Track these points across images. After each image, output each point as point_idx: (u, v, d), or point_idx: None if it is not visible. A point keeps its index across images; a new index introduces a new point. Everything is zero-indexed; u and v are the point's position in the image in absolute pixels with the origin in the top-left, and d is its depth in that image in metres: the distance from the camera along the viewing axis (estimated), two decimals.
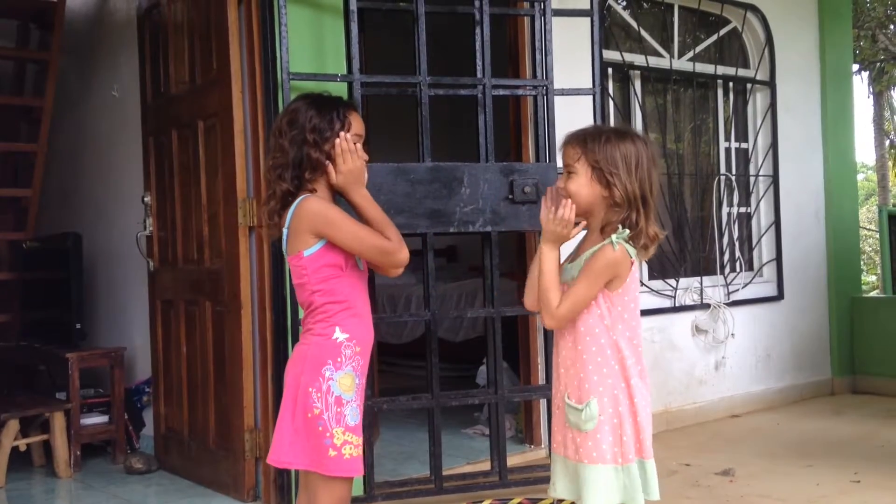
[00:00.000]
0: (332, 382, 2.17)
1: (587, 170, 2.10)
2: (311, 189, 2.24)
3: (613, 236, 2.05)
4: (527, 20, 4.01)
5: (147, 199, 4.22)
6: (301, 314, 2.33)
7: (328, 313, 2.21)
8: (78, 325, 4.48)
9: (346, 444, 2.16)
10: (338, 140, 2.23)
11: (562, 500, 3.25)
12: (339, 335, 2.21)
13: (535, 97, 3.69)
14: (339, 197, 2.32)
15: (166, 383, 4.15)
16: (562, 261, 2.23)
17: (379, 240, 2.21)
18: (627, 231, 2.06)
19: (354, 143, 2.27)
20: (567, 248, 2.25)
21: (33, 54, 5.57)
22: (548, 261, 2.13)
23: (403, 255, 2.24)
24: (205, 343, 3.82)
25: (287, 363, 2.29)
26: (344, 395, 2.18)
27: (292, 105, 2.32)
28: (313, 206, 2.18)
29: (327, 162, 2.24)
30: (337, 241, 2.18)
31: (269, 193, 2.27)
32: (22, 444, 4.14)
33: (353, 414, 2.19)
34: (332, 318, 2.21)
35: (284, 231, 2.23)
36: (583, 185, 2.10)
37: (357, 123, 2.30)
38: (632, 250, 2.08)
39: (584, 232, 2.21)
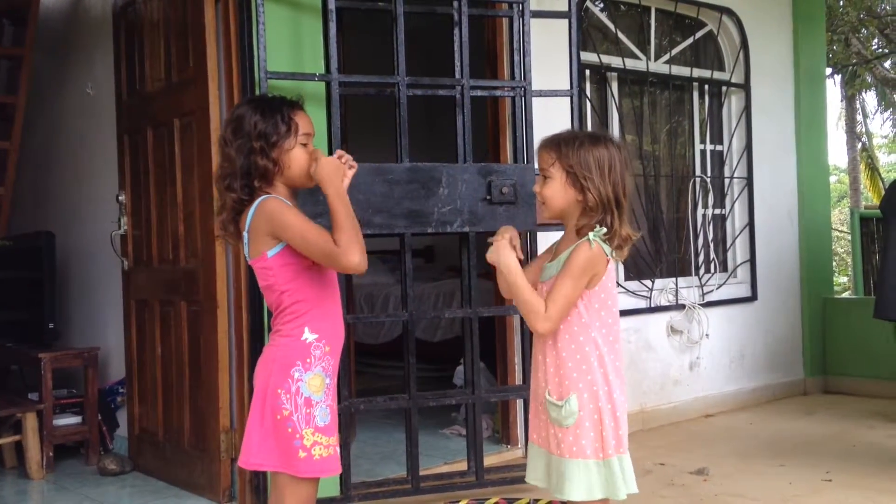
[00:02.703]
0: (302, 384, 2.16)
1: (561, 174, 2.15)
2: (266, 193, 2.20)
3: (590, 234, 2.10)
4: (505, 21, 4.02)
5: (122, 197, 4.19)
6: None
7: (297, 313, 2.20)
8: (51, 325, 4.44)
9: (316, 444, 2.16)
10: (340, 152, 2.25)
11: (538, 500, 3.28)
12: (308, 335, 2.19)
13: (513, 98, 3.70)
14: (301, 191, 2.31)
15: (141, 384, 4.12)
16: (539, 260, 2.27)
17: (325, 243, 2.12)
18: (604, 229, 2.11)
19: (304, 144, 2.24)
20: (545, 246, 2.28)
21: (6, 50, 5.51)
22: (512, 274, 2.14)
23: (350, 260, 2.11)
24: (180, 343, 3.80)
25: (256, 364, 2.28)
26: (313, 396, 2.17)
27: (236, 112, 2.27)
28: (270, 207, 2.16)
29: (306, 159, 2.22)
30: (288, 242, 2.16)
31: (220, 205, 2.24)
32: None
33: (323, 415, 2.18)
34: (301, 317, 2.19)
35: (245, 235, 2.21)
36: (557, 189, 2.16)
37: (304, 122, 2.26)
38: (607, 248, 2.12)
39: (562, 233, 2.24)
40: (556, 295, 2.11)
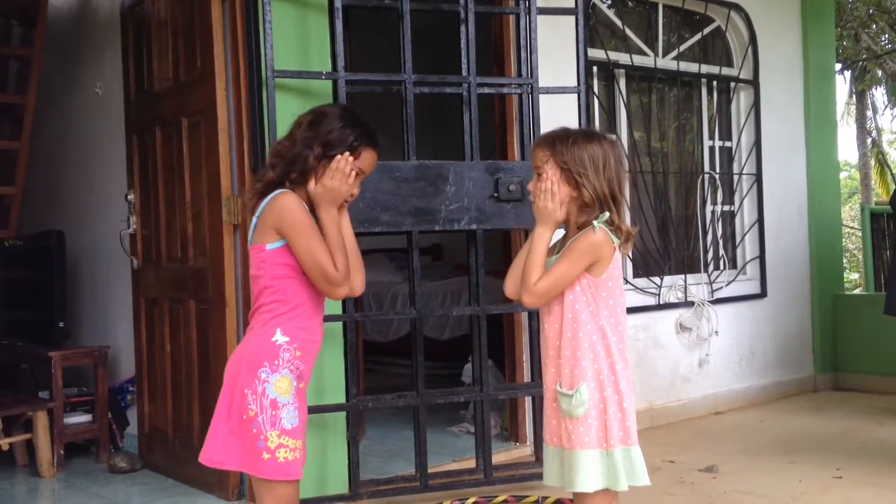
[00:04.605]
0: (268, 385, 2.15)
1: (556, 171, 2.14)
2: (294, 189, 2.23)
3: (595, 221, 2.11)
4: (512, 18, 4.02)
5: (131, 197, 4.20)
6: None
7: (273, 313, 2.20)
8: (61, 324, 4.45)
9: (281, 447, 2.15)
10: (339, 157, 2.21)
11: (546, 498, 3.28)
12: (280, 338, 2.18)
13: (520, 95, 3.69)
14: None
15: (150, 382, 4.14)
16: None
17: (327, 264, 2.15)
18: (606, 215, 2.11)
19: (356, 175, 2.25)
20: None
21: (15, 51, 5.53)
22: (539, 241, 2.16)
23: (341, 290, 2.19)
24: (189, 341, 3.81)
25: (228, 361, 2.28)
26: (280, 398, 2.16)
27: (326, 108, 2.33)
28: (287, 203, 2.17)
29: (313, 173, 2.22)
30: (291, 245, 2.17)
31: (260, 174, 2.28)
32: (4, 443, 4.11)
33: (290, 417, 2.17)
34: (275, 318, 2.19)
35: (254, 220, 2.23)
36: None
37: (368, 160, 2.28)
38: (614, 237, 2.12)
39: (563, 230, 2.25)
40: (549, 272, 2.13)
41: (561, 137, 2.17)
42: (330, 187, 2.21)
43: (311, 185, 2.22)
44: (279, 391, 2.16)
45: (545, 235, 2.15)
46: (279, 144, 2.28)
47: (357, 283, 2.27)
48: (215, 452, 2.19)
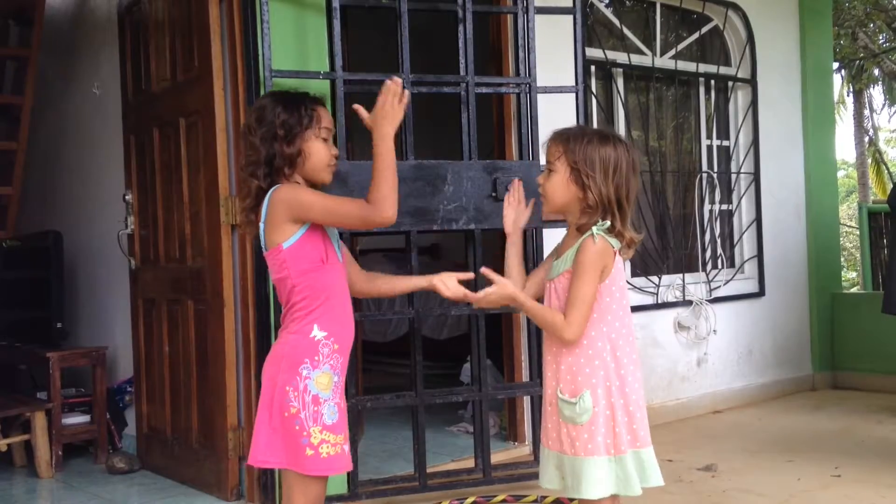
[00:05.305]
0: (309, 381, 2.16)
1: (566, 169, 2.13)
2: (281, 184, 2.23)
3: (593, 228, 2.08)
4: (510, 18, 4.02)
5: (128, 197, 4.20)
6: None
7: (306, 310, 2.20)
8: (59, 325, 4.45)
9: (324, 442, 2.16)
10: (389, 82, 2.18)
11: (545, 497, 3.28)
12: (317, 333, 2.19)
13: (518, 95, 3.69)
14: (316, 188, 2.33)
15: (149, 382, 4.13)
16: (545, 262, 2.26)
17: (352, 205, 2.16)
18: (608, 223, 2.09)
19: (324, 138, 2.26)
20: (550, 243, 2.28)
21: (13, 51, 5.52)
22: (523, 304, 2.16)
23: (384, 216, 2.14)
24: (187, 342, 3.81)
25: (265, 361, 2.29)
26: (321, 394, 2.17)
27: (259, 102, 2.32)
28: (284, 193, 2.18)
29: (358, 106, 2.20)
30: (315, 220, 2.18)
31: (245, 192, 2.27)
32: (2, 444, 4.11)
33: (331, 413, 2.18)
34: (311, 314, 2.20)
35: (261, 226, 2.23)
36: (559, 184, 2.14)
37: (325, 118, 2.29)
38: (614, 241, 2.10)
39: (565, 229, 2.24)
40: (573, 299, 2.08)
41: (576, 135, 2.14)
42: (391, 111, 2.17)
43: (365, 114, 2.19)
44: (320, 387, 2.17)
45: (521, 297, 2.17)
46: (245, 159, 2.27)
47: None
48: (259, 452, 2.20)
